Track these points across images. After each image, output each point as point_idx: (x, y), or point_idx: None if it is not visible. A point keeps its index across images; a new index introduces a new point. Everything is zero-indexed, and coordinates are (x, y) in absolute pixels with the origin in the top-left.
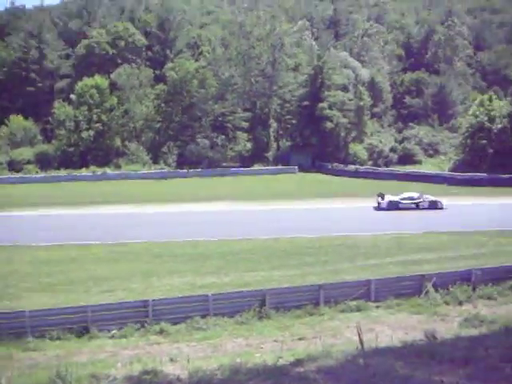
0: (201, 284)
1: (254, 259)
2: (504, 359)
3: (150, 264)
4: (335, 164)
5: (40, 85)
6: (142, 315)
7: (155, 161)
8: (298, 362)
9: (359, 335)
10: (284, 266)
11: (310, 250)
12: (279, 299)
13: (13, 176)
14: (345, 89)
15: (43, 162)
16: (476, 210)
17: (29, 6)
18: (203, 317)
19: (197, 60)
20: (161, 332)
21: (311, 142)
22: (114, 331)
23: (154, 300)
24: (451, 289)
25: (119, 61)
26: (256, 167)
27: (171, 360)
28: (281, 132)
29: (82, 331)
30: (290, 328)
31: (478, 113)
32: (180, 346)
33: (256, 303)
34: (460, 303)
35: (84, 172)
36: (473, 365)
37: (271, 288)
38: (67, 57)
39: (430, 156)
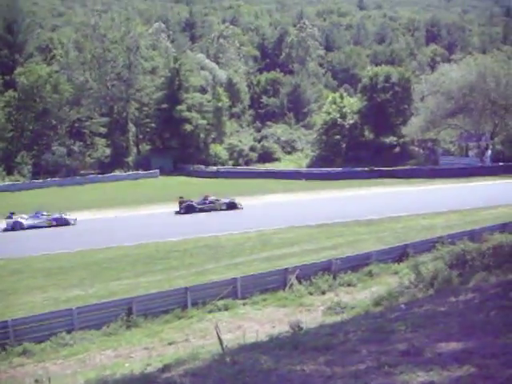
0: (65, 298)
1: (119, 267)
2: (362, 341)
3: (8, 282)
4: (196, 166)
5: None
6: (2, 337)
7: (9, 172)
8: (166, 368)
9: (218, 335)
10: (150, 271)
11: (175, 253)
12: (146, 306)
13: None
14: (203, 90)
15: None
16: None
17: None
18: (69, 332)
19: (49, 64)
20: (24, 353)
21: (171, 145)
22: None
23: (13, 320)
24: (314, 279)
25: None
26: (116, 173)
27: (36, 381)
28: (140, 136)
29: None
30: (160, 334)
31: (330, 110)
32: (46, 365)
33: (123, 312)
34: (323, 292)
35: None
36: (333, 350)
37: (137, 295)
38: None
39: (288, 153)
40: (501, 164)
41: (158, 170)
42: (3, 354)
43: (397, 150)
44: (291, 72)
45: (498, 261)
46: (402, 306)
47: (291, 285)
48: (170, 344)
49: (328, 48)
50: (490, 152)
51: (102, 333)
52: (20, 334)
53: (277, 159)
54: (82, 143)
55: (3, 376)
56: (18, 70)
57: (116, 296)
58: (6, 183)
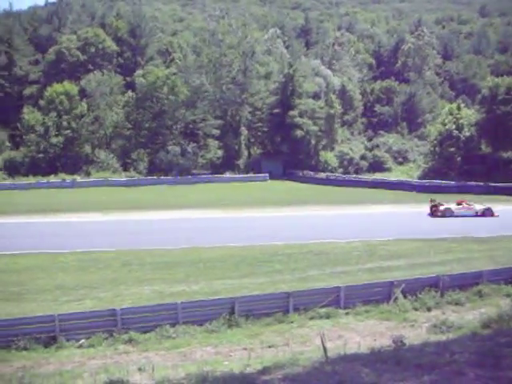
0: (170, 292)
1: (224, 267)
2: (469, 364)
3: (118, 272)
4: (305, 171)
5: (9, 90)
6: (111, 324)
7: (125, 168)
8: (265, 370)
9: (323, 343)
10: (254, 273)
11: (279, 257)
12: (249, 307)
13: None
14: (316, 97)
15: (11, 168)
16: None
17: None
18: (172, 325)
19: (168, 67)
20: (129, 341)
21: (282, 150)
22: (82, 341)
23: (122, 309)
24: (420, 295)
25: (89, 67)
26: (227, 175)
27: (139, 369)
28: (252, 140)
29: (50, 341)
30: (260, 336)
31: (446, 121)
32: (149, 354)
33: (225, 311)
34: (429, 309)
35: (53, 179)
36: (438, 370)
37: (241, 296)
38: (36, 63)
39: (400, 163)
40: None
41: (267, 174)
42: (110, 340)
43: None
44: (406, 81)
45: None
46: None
47: (396, 298)
48: (269, 347)
49: (446, 57)
50: None
51: (203, 329)
52: (127, 323)
53: (387, 169)
54: (195, 144)
55: (108, 361)
56: (138, 71)
57: (219, 295)
58: (123, 179)
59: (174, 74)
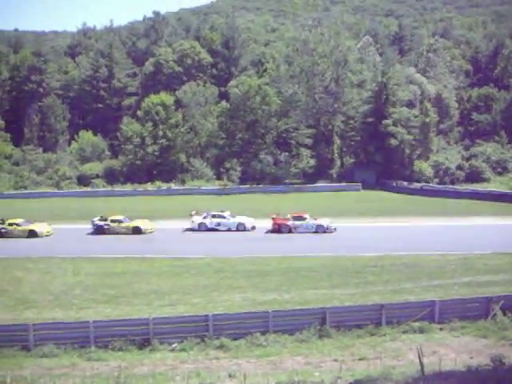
0: (261, 300)
1: (316, 277)
2: None
3: (211, 279)
4: (399, 181)
5: (108, 102)
6: (203, 330)
7: (219, 177)
8: (357, 383)
9: (420, 358)
10: (345, 284)
11: (371, 268)
12: (340, 318)
13: (79, 190)
14: (410, 105)
15: (110, 176)
16: None
17: (99, 26)
18: (263, 333)
19: (260, 77)
20: (221, 347)
21: (375, 159)
22: (174, 344)
23: (214, 315)
24: None
25: (185, 78)
26: (320, 184)
27: (229, 376)
28: (344, 149)
29: (144, 343)
30: (351, 348)
31: None
32: (239, 361)
33: (316, 321)
34: None
35: (149, 187)
36: None
37: (332, 306)
38: (134, 75)
39: (499, 174)
40: None
41: (360, 184)
42: (202, 345)
43: None
44: (506, 87)
45: None
46: None
47: (494, 315)
48: (360, 359)
49: None
50: None
51: (294, 338)
52: (218, 329)
53: (486, 180)
54: (287, 153)
55: (200, 366)
56: (232, 82)
57: (310, 304)
58: (216, 187)
59: (267, 84)
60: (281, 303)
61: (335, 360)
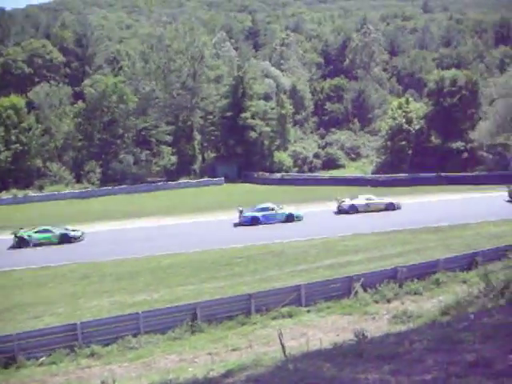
0: (131, 302)
1: (184, 273)
2: (428, 351)
3: (77, 286)
4: (261, 173)
5: None
6: (71, 339)
7: (78, 180)
8: (229, 373)
9: (281, 342)
10: (214, 277)
11: (238, 259)
12: (211, 311)
13: None
14: (267, 98)
15: None
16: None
17: None
18: (135, 336)
19: (116, 75)
20: (92, 355)
21: (236, 152)
22: (42, 358)
23: (82, 322)
24: (379, 287)
25: (37, 79)
26: (182, 180)
27: (102, 383)
28: (205, 144)
29: (9, 361)
30: (223, 339)
31: (396, 115)
32: (112, 367)
33: (188, 317)
34: (388, 301)
35: (4, 195)
36: (398, 359)
37: (202, 301)
38: None
39: (353, 160)
40: None
41: (223, 178)
42: (72, 355)
43: (465, 155)
44: (355, 78)
45: None
46: (471, 315)
47: (356, 293)
48: (233, 350)
49: (392, 53)
50: None
51: (167, 337)
52: (88, 337)
53: (341, 166)
54: (148, 151)
55: (71, 376)
56: (86, 81)
57: (181, 301)
58: (77, 191)
59: (123, 82)
60: (151, 303)
61: (209, 353)
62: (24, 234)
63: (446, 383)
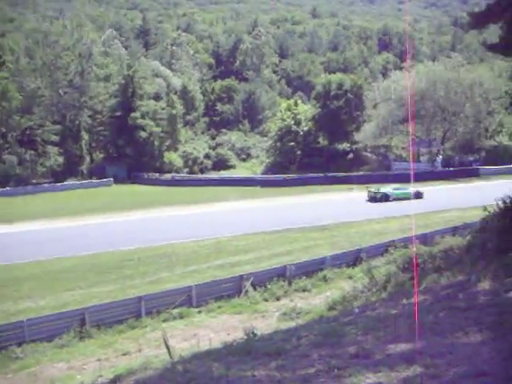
0: (14, 310)
1: (71, 278)
2: (314, 346)
3: None
4: (151, 174)
5: None
6: None
7: None
8: (117, 378)
9: (166, 343)
10: (103, 281)
11: (129, 262)
12: (100, 316)
13: None
14: (157, 98)
15: None
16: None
17: None
18: (19, 345)
19: None
20: None
21: (126, 153)
22: None
23: None
24: (269, 286)
25: None
26: (69, 182)
27: None
28: (94, 144)
29: None
30: (114, 344)
31: (285, 117)
32: None
33: (76, 323)
34: (278, 298)
35: None
36: (284, 355)
37: (90, 306)
38: None
39: (243, 160)
40: (451, 169)
41: (112, 179)
42: None
43: (350, 156)
44: (246, 79)
45: (449, 263)
46: (356, 309)
47: (246, 292)
48: (123, 354)
49: (282, 55)
50: (440, 157)
51: (54, 345)
52: None
53: (232, 166)
54: (33, 152)
55: None
56: None
57: (68, 307)
58: None
59: (6, 78)
60: (36, 310)
61: (98, 359)
62: None
63: (327, 375)
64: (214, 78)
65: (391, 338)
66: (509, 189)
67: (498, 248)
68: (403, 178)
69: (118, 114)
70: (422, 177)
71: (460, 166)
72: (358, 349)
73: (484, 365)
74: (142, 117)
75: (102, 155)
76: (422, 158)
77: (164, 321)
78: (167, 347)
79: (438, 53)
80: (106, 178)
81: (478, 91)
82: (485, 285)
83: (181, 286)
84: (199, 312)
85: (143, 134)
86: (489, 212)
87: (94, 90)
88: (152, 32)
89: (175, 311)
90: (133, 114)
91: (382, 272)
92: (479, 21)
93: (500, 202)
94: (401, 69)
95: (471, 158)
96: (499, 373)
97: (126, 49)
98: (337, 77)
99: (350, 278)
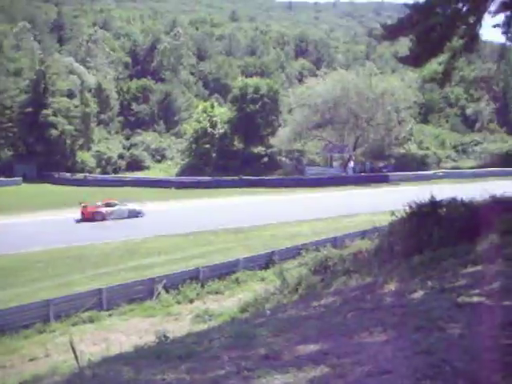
0: None
1: None
2: (224, 348)
3: None
4: (62, 173)
5: None
6: None
7: None
8: None
9: (72, 348)
10: (9, 284)
11: (38, 264)
12: (4, 321)
13: None
14: (70, 95)
15: None
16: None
17: None
18: None
19: None
20: None
21: (36, 151)
22: None
23: None
24: (181, 288)
25: None
26: None
27: None
28: (2, 141)
29: None
30: (20, 350)
31: (201, 119)
32: None
33: None
34: (191, 301)
35: None
36: (195, 358)
37: None
38: None
39: (158, 161)
40: (362, 174)
41: (20, 178)
42: None
43: (265, 159)
44: (162, 80)
45: (358, 265)
46: (267, 311)
47: (158, 294)
48: (30, 360)
49: (200, 57)
50: (352, 163)
51: None
52: None
53: (146, 167)
54: None
55: None
56: None
57: None
58: None
59: None
60: None
61: (2, 366)
62: None
63: (237, 377)
64: (130, 77)
65: (300, 340)
66: (415, 194)
67: (404, 251)
68: (316, 183)
69: (29, 110)
70: (334, 182)
71: (371, 171)
72: (268, 350)
73: (388, 363)
74: (54, 114)
75: (10, 153)
76: (334, 164)
77: (73, 325)
78: (74, 352)
79: (353, 61)
80: (14, 176)
81: (389, 100)
82: (391, 286)
83: (91, 289)
84: (110, 315)
85: (55, 132)
86: (396, 216)
87: (3, 84)
88: (67, 27)
89: (85, 315)
90: (44, 111)
91: (294, 274)
92: (391, 33)
93: (406, 207)
94: (316, 75)
95: (381, 165)
96: (401, 370)
97: (39, 43)
98: (254, 81)
99: (263, 280)
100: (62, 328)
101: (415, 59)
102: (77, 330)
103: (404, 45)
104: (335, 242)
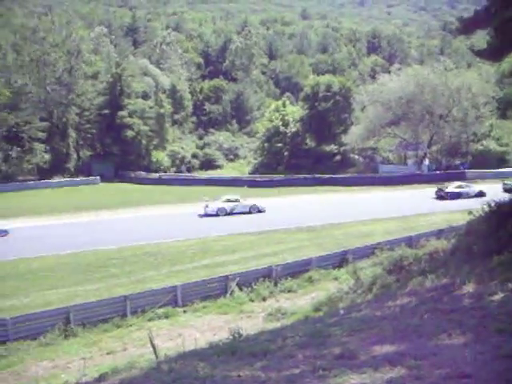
0: None
1: (56, 276)
2: (299, 346)
3: None
4: (138, 172)
5: None
6: None
7: None
8: (102, 377)
9: (151, 342)
10: (88, 280)
11: (114, 261)
12: (85, 315)
13: None
14: (145, 96)
15: None
16: None
17: None
18: (3, 343)
19: None
20: None
21: (113, 151)
22: None
23: None
24: (255, 286)
25: None
26: (56, 179)
27: None
28: (81, 142)
29: None
30: (98, 343)
31: (273, 118)
32: None
33: (60, 322)
34: (264, 299)
35: None
36: (270, 356)
37: (75, 304)
38: None
39: (231, 160)
40: (437, 172)
41: (98, 177)
42: None
43: (337, 158)
44: (234, 79)
45: (434, 266)
46: (341, 310)
47: (232, 292)
48: (108, 353)
49: (271, 56)
50: (427, 160)
51: (38, 343)
52: None
53: (219, 166)
54: (19, 148)
55: None
56: None
57: (53, 305)
58: None
59: None
60: (20, 309)
61: (83, 358)
62: None
63: (312, 376)
64: (203, 78)
65: (376, 340)
66: (494, 192)
67: (483, 251)
68: (390, 181)
69: (106, 112)
70: (408, 180)
71: (446, 169)
72: (342, 350)
73: (467, 367)
74: (130, 115)
75: (88, 153)
76: (408, 161)
77: (149, 320)
78: (153, 346)
79: (427, 56)
80: (92, 175)
81: (465, 96)
82: (469, 288)
83: (166, 286)
84: (184, 312)
85: (130, 133)
86: (474, 216)
87: (81, 87)
88: (141, 30)
89: (160, 311)
90: (120, 113)
91: (367, 274)
92: (468, 26)
93: (485, 206)
94: (389, 72)
95: (458, 162)
96: (482, 375)
97: (115, 47)
98: (325, 78)
99: (336, 279)
100: (139, 323)
101: (494, 53)
102: (152, 325)
103: (481, 38)
104: (410, 242)
